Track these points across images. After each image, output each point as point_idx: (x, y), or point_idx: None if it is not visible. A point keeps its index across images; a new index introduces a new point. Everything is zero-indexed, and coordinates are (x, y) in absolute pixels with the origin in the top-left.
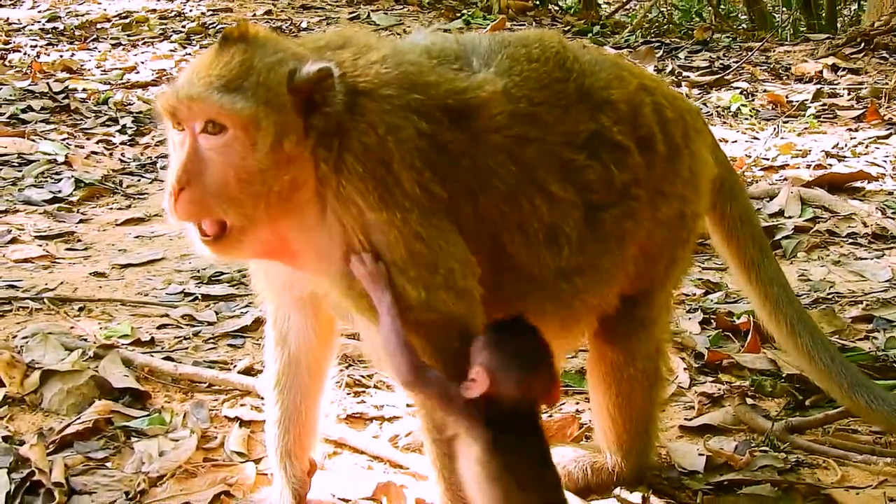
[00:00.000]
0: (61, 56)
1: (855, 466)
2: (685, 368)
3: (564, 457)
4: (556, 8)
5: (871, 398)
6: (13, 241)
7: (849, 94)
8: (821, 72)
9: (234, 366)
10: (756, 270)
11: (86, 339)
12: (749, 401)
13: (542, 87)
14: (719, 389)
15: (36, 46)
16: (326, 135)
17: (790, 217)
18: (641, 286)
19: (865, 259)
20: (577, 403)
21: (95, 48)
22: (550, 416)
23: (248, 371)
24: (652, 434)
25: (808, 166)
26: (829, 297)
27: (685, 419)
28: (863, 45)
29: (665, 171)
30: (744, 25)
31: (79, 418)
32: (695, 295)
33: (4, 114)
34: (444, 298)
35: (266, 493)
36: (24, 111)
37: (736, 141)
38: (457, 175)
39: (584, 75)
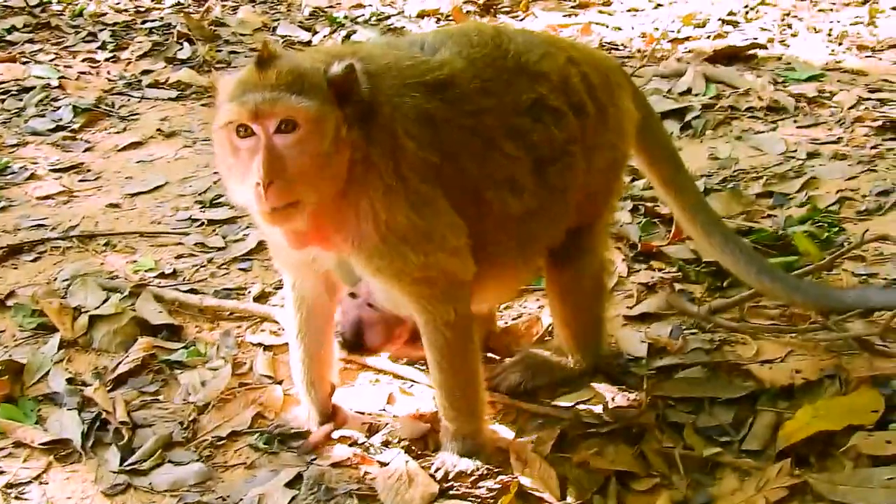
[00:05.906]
0: None
1: (767, 340)
2: (623, 259)
3: (535, 358)
4: None
5: (773, 279)
6: (32, 176)
7: None
8: None
9: (249, 291)
10: (673, 185)
11: (118, 277)
12: (677, 286)
13: (486, 65)
14: (652, 277)
15: None
16: (357, 118)
17: (696, 94)
18: (584, 220)
19: (763, 132)
20: (538, 300)
21: None
22: (519, 316)
23: (261, 296)
24: (602, 333)
25: (709, 37)
26: (735, 174)
27: (627, 307)
28: None
29: (596, 128)
30: None
31: (127, 356)
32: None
33: None
34: (441, 258)
35: (296, 412)
36: (8, 31)
37: (644, 9)
38: (441, 141)
39: (519, 53)
